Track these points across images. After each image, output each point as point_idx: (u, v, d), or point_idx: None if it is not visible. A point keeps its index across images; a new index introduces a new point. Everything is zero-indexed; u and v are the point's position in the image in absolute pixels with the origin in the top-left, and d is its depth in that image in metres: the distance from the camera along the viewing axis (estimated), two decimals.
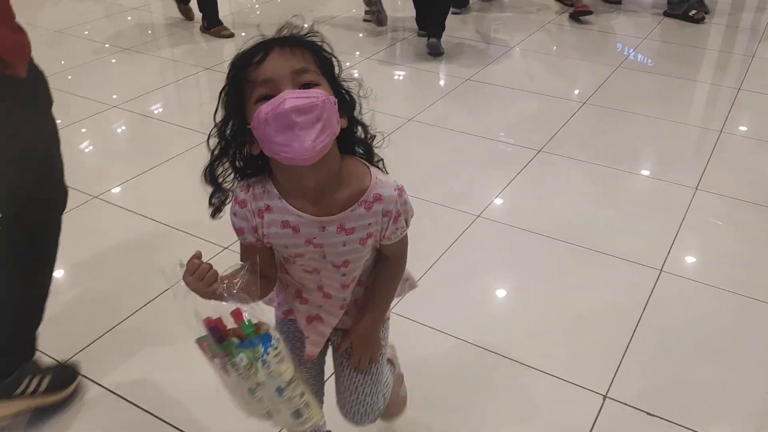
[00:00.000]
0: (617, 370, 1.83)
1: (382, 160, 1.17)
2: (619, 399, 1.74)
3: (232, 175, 1.10)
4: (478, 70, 3.80)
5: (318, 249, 1.12)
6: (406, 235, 1.18)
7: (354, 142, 1.12)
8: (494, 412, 1.72)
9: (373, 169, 1.11)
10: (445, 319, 1.99)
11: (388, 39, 4.34)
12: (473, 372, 1.83)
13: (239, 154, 1.07)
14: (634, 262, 2.25)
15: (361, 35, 4.39)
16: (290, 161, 0.98)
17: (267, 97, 0.97)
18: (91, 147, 3.09)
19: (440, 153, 2.97)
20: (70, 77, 3.65)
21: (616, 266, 2.24)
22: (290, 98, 0.94)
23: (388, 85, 3.73)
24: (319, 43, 1.05)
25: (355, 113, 1.10)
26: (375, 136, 1.14)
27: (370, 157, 1.14)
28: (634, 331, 1.97)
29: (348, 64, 3.64)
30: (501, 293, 2.19)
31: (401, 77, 3.85)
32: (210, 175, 1.08)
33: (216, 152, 1.07)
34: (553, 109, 3.35)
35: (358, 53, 4.04)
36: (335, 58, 1.06)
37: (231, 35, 4.24)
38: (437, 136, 3.10)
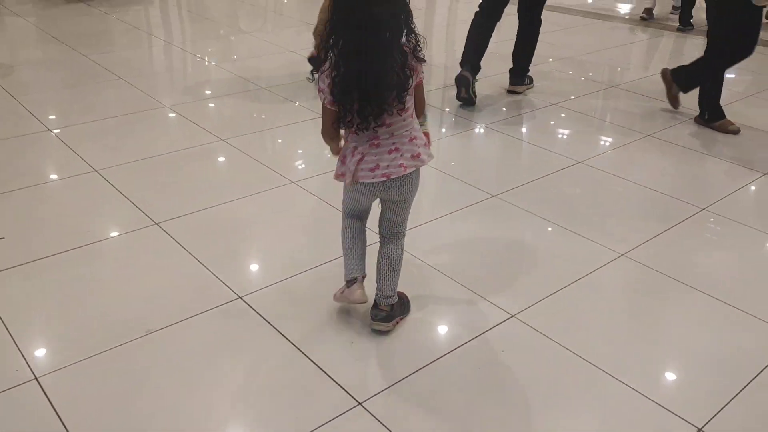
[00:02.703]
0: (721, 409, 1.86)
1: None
2: None
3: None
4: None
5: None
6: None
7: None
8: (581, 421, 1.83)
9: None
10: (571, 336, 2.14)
11: None
12: (571, 380, 1.96)
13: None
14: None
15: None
16: None
17: None
18: None
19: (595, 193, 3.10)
20: None
21: (748, 319, 2.23)
22: None
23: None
24: None
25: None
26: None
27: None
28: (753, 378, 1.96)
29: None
30: (630, 324, 2.27)
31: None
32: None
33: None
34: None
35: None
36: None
37: (737, 131, 3.85)
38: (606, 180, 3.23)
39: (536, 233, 2.78)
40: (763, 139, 3.81)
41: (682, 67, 4.00)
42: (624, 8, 7.32)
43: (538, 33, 4.26)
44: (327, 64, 1.80)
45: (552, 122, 4.01)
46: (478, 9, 4.10)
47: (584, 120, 4.04)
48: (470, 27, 4.13)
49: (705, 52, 3.86)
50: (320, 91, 1.84)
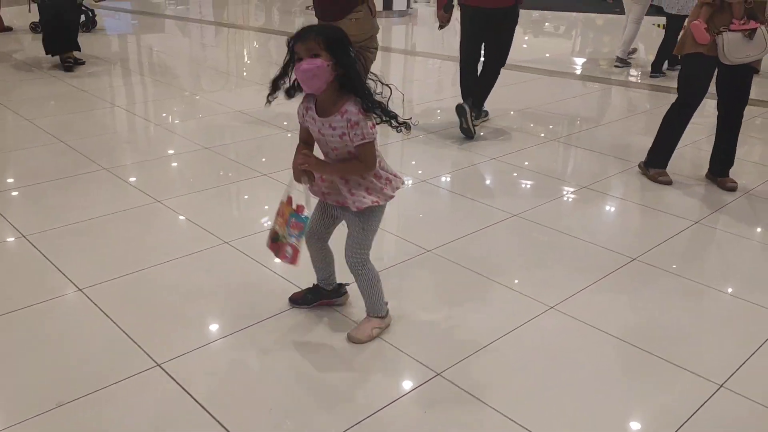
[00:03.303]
0: None
1: (382, 103, 2.08)
2: None
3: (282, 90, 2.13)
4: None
5: (322, 136, 2.15)
6: (366, 147, 2.09)
7: (352, 87, 2.05)
8: None
9: (353, 101, 2.05)
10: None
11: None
12: None
13: (290, 80, 2.10)
14: (694, 373, 2.23)
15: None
16: (305, 90, 2.09)
17: (300, 59, 2.01)
18: None
19: (529, 246, 3.12)
20: None
21: (675, 373, 2.23)
22: (303, 63, 2.00)
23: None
24: (328, 33, 2.03)
25: (352, 70, 2.03)
26: (370, 88, 2.08)
27: (366, 98, 2.05)
28: None
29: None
30: (558, 380, 2.25)
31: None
32: (273, 82, 2.11)
33: (278, 73, 2.10)
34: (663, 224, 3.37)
35: None
36: (342, 41, 2.03)
37: (669, 182, 3.91)
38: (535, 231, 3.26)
39: (467, 287, 2.78)
40: (691, 188, 3.91)
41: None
42: (579, 62, 7.58)
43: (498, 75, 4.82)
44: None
45: (492, 176, 4.07)
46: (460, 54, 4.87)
47: (524, 173, 4.11)
48: (460, 70, 4.92)
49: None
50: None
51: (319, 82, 2.02)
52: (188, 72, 6.85)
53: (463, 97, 4.76)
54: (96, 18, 8.46)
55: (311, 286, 2.57)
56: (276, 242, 2.24)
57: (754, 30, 3.49)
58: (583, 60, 7.87)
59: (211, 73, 6.85)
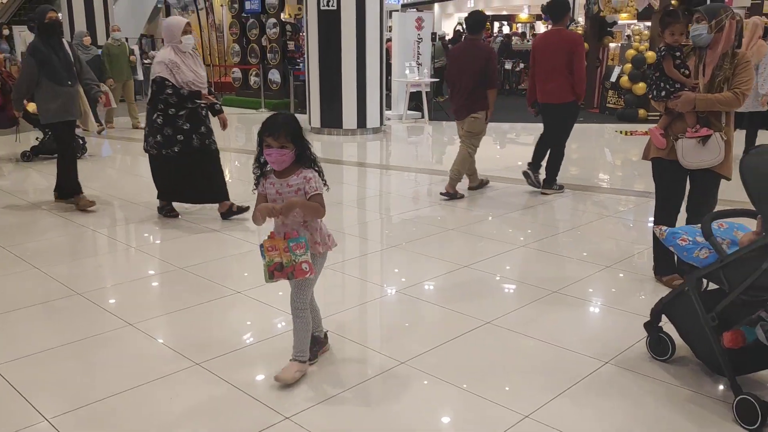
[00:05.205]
0: None
1: (320, 168, 2.82)
2: None
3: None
4: None
5: (279, 196, 2.77)
6: (319, 197, 2.76)
7: (305, 160, 2.78)
8: None
9: (307, 170, 2.77)
10: None
11: None
12: None
13: (262, 161, 2.80)
14: None
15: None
16: (275, 168, 2.78)
17: (269, 146, 2.71)
18: None
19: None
20: None
21: None
22: (273, 151, 2.71)
23: None
24: (290, 127, 2.71)
25: (307, 150, 2.77)
26: (317, 162, 2.82)
27: (315, 162, 2.81)
28: None
29: None
30: None
31: None
32: (255, 167, 2.81)
33: (255, 164, 2.82)
34: None
35: None
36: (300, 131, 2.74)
37: None
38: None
39: (441, 398, 2.77)
40: (654, 285, 3.99)
41: None
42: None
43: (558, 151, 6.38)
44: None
45: (463, 282, 4.13)
46: None
47: (492, 281, 4.18)
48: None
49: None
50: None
51: (286, 164, 2.75)
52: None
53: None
54: (86, 144, 8.56)
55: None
56: (283, 270, 2.70)
57: (708, 137, 3.70)
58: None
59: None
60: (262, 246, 2.73)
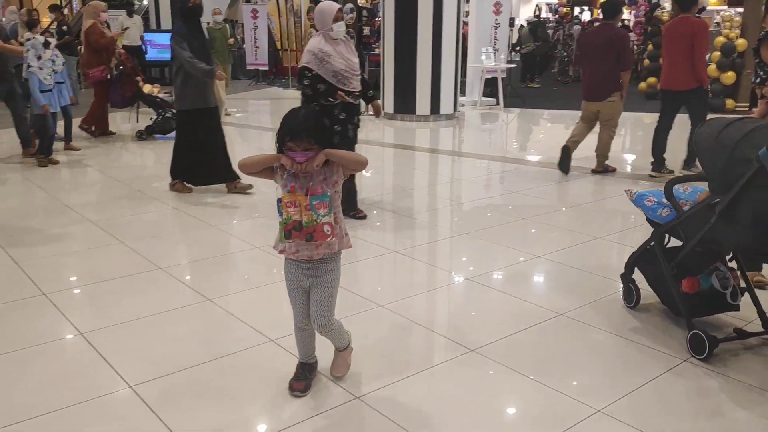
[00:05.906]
0: None
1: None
2: None
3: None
4: None
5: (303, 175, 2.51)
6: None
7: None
8: None
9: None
10: None
11: None
12: None
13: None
14: None
15: None
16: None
17: (291, 149, 2.44)
18: None
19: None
20: None
21: None
22: (298, 155, 2.43)
23: None
24: (311, 128, 2.42)
25: (330, 145, 2.49)
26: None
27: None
28: None
29: None
30: None
31: None
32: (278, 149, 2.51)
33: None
34: None
35: None
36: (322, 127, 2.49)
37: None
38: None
39: (509, 388, 2.76)
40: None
41: None
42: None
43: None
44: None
45: (536, 273, 4.07)
46: None
47: (566, 272, 4.10)
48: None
49: None
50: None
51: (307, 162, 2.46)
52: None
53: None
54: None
55: (298, 369, 2.77)
56: (302, 230, 2.42)
57: None
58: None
59: None
60: (279, 201, 2.47)
